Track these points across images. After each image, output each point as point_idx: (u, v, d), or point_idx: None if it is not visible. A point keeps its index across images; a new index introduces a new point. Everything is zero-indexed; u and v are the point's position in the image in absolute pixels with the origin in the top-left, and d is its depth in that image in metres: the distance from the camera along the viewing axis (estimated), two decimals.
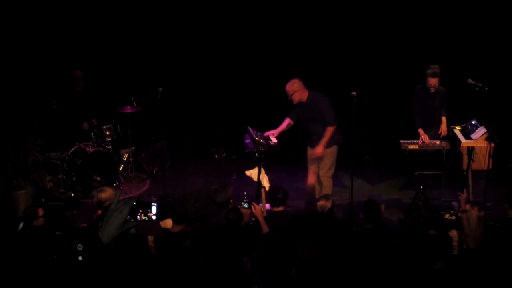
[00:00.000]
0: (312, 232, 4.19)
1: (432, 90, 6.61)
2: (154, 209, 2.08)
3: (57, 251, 1.87)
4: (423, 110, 6.74)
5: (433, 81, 6.54)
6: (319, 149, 6.36)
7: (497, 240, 4.08)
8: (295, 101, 6.40)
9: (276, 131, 6.57)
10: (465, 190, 6.16)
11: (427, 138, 6.50)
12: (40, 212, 4.74)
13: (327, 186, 6.58)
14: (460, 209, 4.57)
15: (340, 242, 4.39)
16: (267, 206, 6.18)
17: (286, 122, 6.65)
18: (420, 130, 6.63)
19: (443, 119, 6.87)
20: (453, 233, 4.52)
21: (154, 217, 2.07)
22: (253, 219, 5.53)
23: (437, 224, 4.41)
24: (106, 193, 4.94)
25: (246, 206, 4.87)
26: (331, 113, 6.32)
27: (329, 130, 6.32)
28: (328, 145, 6.44)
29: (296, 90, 6.32)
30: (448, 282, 3.42)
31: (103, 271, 1.88)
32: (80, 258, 1.87)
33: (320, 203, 5.00)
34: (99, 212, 4.82)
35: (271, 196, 5.36)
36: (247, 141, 6.49)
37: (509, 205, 4.80)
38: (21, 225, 4.82)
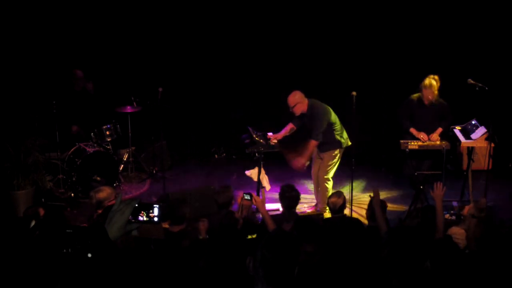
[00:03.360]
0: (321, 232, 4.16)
1: (426, 102, 6.44)
2: (156, 211, 2.07)
3: (67, 248, 1.88)
4: (414, 120, 6.59)
5: (426, 93, 6.36)
6: (301, 161, 6.35)
7: (504, 243, 4.04)
8: (297, 113, 6.37)
9: (278, 135, 6.57)
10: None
11: (426, 136, 6.47)
12: (41, 212, 4.75)
13: (324, 188, 6.59)
14: (465, 214, 4.55)
15: (353, 239, 4.37)
16: (267, 206, 6.17)
17: (289, 127, 6.65)
18: (413, 130, 6.52)
19: (438, 129, 6.51)
20: (453, 230, 4.51)
21: (156, 219, 2.07)
22: (253, 211, 5.51)
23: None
24: (104, 193, 4.93)
25: (247, 198, 4.80)
26: (318, 127, 6.28)
27: (311, 144, 6.32)
28: (329, 148, 6.47)
29: (298, 101, 6.30)
30: (449, 282, 3.42)
31: (110, 268, 1.89)
32: (89, 255, 1.87)
33: (332, 200, 4.98)
34: (99, 211, 4.82)
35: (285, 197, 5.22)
36: (247, 141, 6.50)
37: None
38: (33, 223, 4.81)
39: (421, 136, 6.45)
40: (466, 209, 4.47)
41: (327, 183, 6.60)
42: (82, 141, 7.54)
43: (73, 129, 7.73)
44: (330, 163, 6.52)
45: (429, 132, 6.50)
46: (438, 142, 6.42)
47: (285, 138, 6.66)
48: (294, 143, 6.58)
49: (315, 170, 6.73)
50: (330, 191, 6.55)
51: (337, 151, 6.51)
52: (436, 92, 6.39)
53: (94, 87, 7.99)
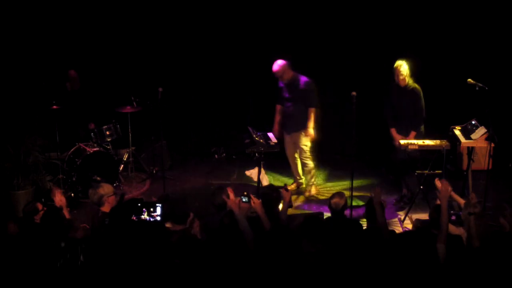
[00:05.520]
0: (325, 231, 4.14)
1: (401, 83, 6.49)
2: (158, 210, 2.08)
3: (60, 260, 1.88)
4: (395, 106, 6.68)
5: (396, 72, 6.47)
6: (310, 131, 6.71)
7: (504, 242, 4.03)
8: (284, 80, 6.75)
9: (276, 127, 6.85)
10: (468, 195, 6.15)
11: (398, 140, 6.49)
12: (39, 206, 4.77)
13: (310, 165, 6.95)
14: (464, 213, 4.55)
15: (352, 240, 4.35)
16: None
17: (278, 109, 6.96)
18: (393, 131, 6.65)
19: (412, 133, 6.53)
20: (451, 228, 4.51)
21: (158, 218, 2.08)
22: (253, 213, 5.48)
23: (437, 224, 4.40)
24: (105, 189, 4.96)
25: (245, 200, 4.79)
26: (315, 96, 6.68)
27: (312, 111, 6.66)
28: (302, 127, 6.76)
29: (285, 70, 6.74)
30: (450, 280, 3.42)
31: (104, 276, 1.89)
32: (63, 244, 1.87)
33: (334, 200, 4.92)
34: (102, 209, 4.80)
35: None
36: (247, 141, 6.53)
37: None
38: None
39: (396, 143, 6.53)
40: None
41: (310, 161, 6.94)
42: (82, 141, 7.54)
43: (91, 127, 7.79)
44: (306, 142, 6.83)
45: (406, 116, 6.56)
46: (438, 142, 6.41)
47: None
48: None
49: (291, 152, 7.01)
50: (313, 169, 7.00)
51: (307, 129, 6.81)
52: (403, 76, 6.45)
53: (92, 87, 8.06)
